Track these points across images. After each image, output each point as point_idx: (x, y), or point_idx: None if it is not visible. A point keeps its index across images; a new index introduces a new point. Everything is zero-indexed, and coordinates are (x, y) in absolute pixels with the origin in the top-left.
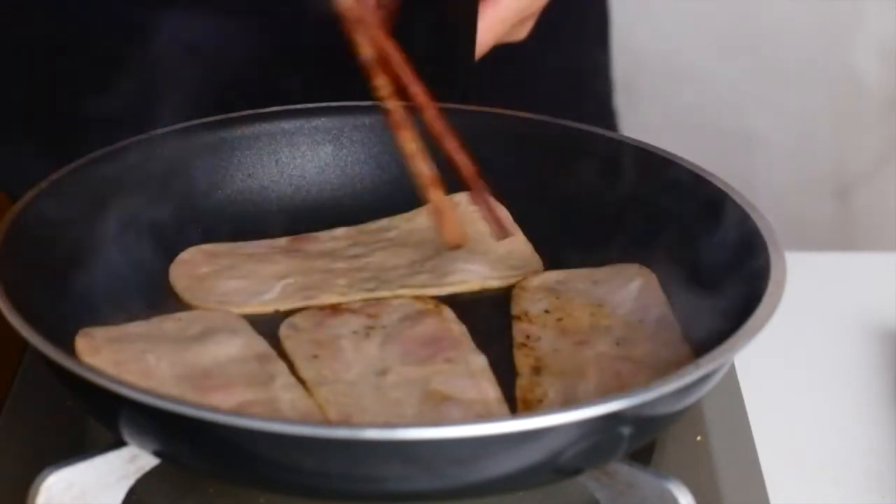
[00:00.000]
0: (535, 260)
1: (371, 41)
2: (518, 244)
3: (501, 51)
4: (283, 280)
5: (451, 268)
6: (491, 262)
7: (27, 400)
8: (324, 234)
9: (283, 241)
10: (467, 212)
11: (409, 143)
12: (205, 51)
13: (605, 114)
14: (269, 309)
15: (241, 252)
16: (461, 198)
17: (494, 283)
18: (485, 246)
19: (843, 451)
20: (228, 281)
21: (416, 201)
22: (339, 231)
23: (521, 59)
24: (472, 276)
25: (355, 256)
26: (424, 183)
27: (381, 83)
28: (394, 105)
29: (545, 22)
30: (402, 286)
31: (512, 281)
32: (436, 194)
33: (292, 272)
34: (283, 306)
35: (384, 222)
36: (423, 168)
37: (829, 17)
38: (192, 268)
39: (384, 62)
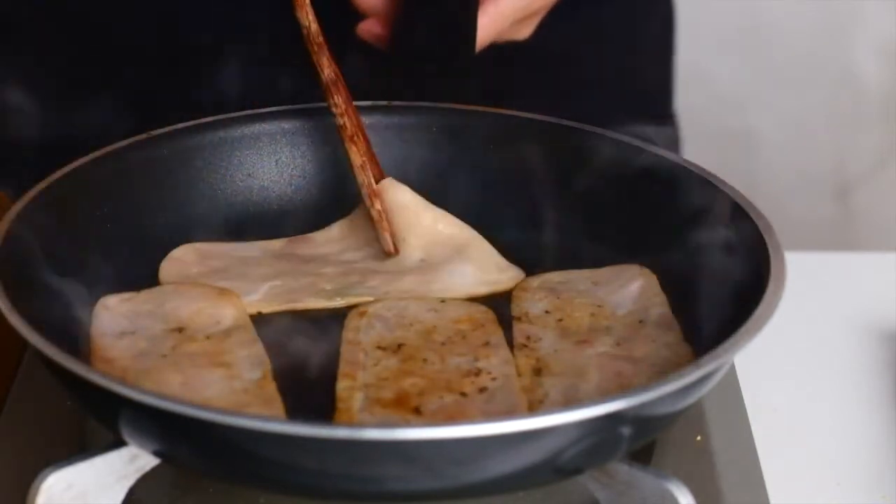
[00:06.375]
0: (515, 269)
1: (329, 63)
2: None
3: (549, 52)
4: (270, 282)
5: (438, 275)
6: (480, 271)
7: (27, 400)
8: (319, 235)
9: (278, 244)
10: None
11: (358, 155)
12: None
13: (661, 120)
14: (252, 311)
15: (234, 255)
16: None
17: (482, 291)
18: (476, 253)
19: (843, 451)
20: (215, 282)
21: None
22: (335, 231)
23: (575, 63)
24: (458, 286)
25: (346, 263)
26: (368, 193)
27: (338, 101)
28: (346, 121)
29: (601, 29)
30: (387, 291)
31: (498, 289)
32: (378, 204)
33: (280, 275)
34: (266, 308)
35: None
36: (369, 180)
37: (829, 17)
38: (183, 266)
39: (339, 82)
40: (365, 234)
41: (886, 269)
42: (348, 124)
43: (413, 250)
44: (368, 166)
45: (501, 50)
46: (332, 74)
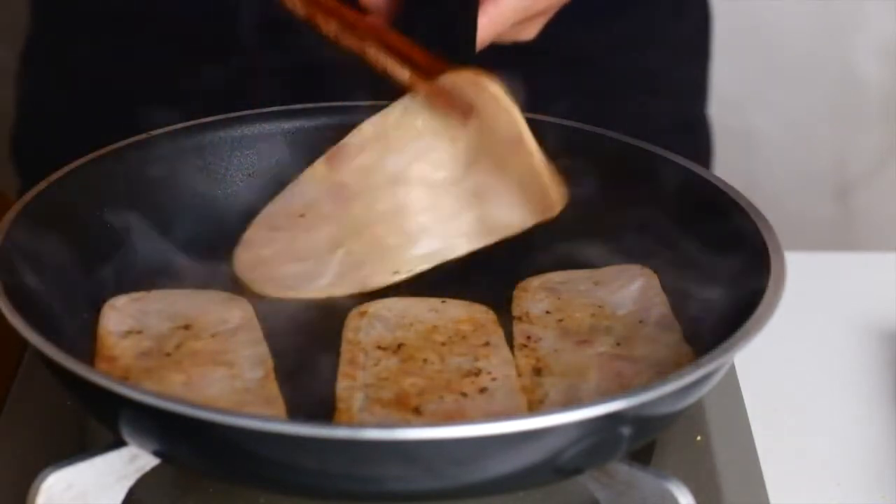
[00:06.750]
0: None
1: (300, 2)
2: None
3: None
4: (338, 251)
5: (489, 208)
6: (525, 197)
7: (27, 400)
8: (353, 140)
9: (321, 169)
10: None
11: (379, 59)
12: None
13: (691, 125)
14: (323, 295)
15: (290, 209)
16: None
17: (529, 223)
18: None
19: (843, 451)
20: (286, 265)
21: None
22: (368, 130)
23: (603, 67)
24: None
25: (392, 182)
26: (409, 84)
27: (328, 31)
28: (346, 38)
29: (629, 32)
30: (446, 248)
31: (548, 215)
32: (423, 87)
33: (344, 237)
34: (338, 292)
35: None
36: (401, 73)
37: (829, 17)
38: (254, 250)
39: (325, 11)
40: (401, 132)
41: (886, 269)
42: (351, 42)
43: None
44: (391, 65)
45: (526, 54)
46: (304, 12)
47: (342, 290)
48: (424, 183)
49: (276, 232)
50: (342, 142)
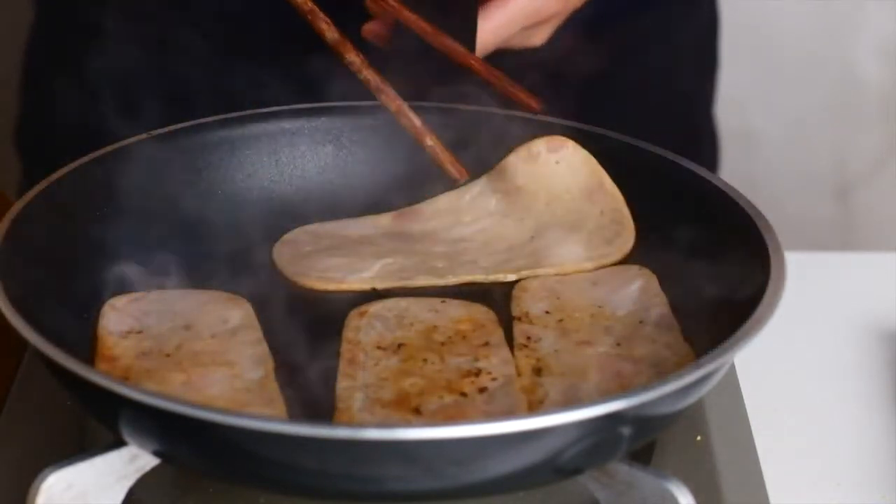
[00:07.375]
0: (624, 236)
1: (328, 26)
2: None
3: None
4: (383, 260)
5: (547, 253)
6: (585, 242)
7: (27, 400)
8: (427, 207)
9: (386, 219)
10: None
11: (392, 102)
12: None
13: (698, 127)
14: (367, 286)
15: (346, 233)
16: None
17: (589, 266)
18: (585, 224)
19: (843, 451)
20: (329, 258)
21: (417, 201)
22: (442, 203)
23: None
24: (568, 261)
25: (456, 241)
26: (416, 133)
27: (352, 59)
28: (368, 75)
29: (640, 38)
30: (497, 271)
31: (605, 262)
32: (430, 140)
33: (392, 253)
34: (381, 285)
35: (483, 186)
36: (413, 120)
37: (830, 17)
38: (296, 247)
39: (345, 42)
40: (473, 210)
41: (886, 269)
42: (370, 77)
43: (527, 228)
44: (404, 109)
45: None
46: (336, 36)
47: (385, 284)
48: (488, 241)
49: (321, 238)
50: (414, 206)
